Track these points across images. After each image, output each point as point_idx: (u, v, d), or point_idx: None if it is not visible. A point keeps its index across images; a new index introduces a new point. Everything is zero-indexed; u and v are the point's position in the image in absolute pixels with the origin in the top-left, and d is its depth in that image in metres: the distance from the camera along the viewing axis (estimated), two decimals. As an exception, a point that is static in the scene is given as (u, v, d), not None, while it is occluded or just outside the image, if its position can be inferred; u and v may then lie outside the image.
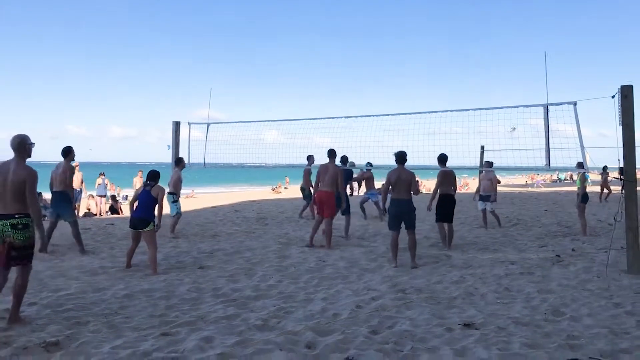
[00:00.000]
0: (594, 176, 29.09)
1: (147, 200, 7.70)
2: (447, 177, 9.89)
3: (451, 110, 10.64)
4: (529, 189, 36.48)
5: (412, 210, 8.18)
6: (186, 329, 4.95)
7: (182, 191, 12.30)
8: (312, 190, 11.28)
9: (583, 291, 6.45)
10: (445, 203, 9.76)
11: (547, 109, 8.95)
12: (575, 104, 8.44)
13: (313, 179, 11.44)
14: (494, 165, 11.83)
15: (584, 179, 11.53)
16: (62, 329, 4.93)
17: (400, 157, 8.36)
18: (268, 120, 13.18)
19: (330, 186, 9.62)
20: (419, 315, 5.43)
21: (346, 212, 10.64)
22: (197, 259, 8.53)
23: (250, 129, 12.92)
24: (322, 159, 10.51)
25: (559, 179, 53.55)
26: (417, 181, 10.43)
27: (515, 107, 9.66)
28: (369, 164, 13.09)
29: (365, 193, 14.81)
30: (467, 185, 42.00)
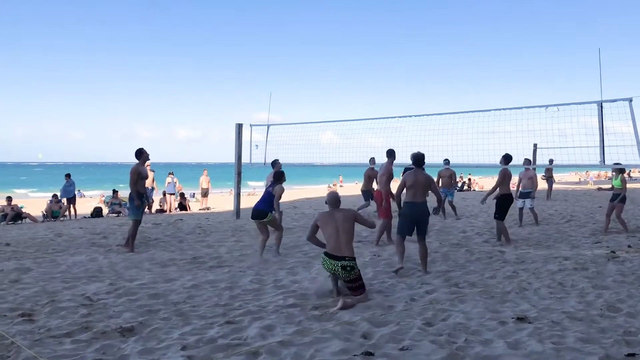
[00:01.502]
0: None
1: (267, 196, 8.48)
2: (507, 177, 9.70)
3: (503, 109, 10.40)
4: (582, 186, 35.11)
5: (428, 214, 7.33)
6: (249, 318, 5.03)
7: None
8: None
9: (640, 287, 6.15)
10: (507, 202, 9.52)
11: (602, 106, 8.60)
12: (631, 100, 8.09)
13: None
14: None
15: (625, 180, 10.77)
16: (136, 315, 5.11)
17: (418, 159, 7.51)
18: (323, 122, 13.29)
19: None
20: (472, 308, 5.32)
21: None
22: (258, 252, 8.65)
23: (307, 130, 13.07)
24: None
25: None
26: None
27: (568, 104, 9.35)
28: (447, 160, 12.97)
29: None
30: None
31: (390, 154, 9.65)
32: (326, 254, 5.79)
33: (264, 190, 10.18)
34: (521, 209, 12.28)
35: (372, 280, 6.62)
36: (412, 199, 7.26)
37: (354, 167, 13.87)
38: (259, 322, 4.88)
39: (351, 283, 5.66)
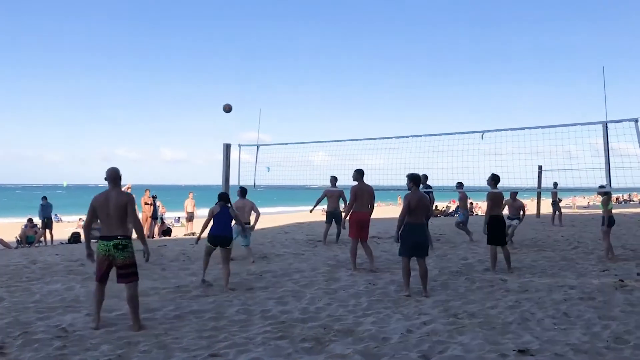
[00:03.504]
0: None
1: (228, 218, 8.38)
2: (498, 199, 9.79)
3: (505, 129, 10.50)
4: (590, 210, 35.28)
5: (428, 235, 8.00)
6: (234, 350, 5.04)
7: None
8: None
9: (648, 318, 6.21)
10: (497, 225, 9.59)
11: (607, 127, 8.72)
12: (636, 120, 8.21)
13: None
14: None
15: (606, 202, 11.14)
16: (114, 348, 5.11)
17: (418, 179, 7.97)
18: (316, 142, 13.34)
19: (371, 208, 9.77)
20: (471, 340, 5.35)
21: None
22: (246, 281, 8.66)
23: (299, 150, 13.12)
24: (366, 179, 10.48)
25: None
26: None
27: (572, 125, 9.48)
28: (460, 184, 13.14)
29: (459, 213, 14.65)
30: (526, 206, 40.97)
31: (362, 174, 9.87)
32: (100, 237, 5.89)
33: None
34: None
35: (367, 310, 6.66)
36: (418, 220, 7.71)
37: (349, 189, 13.92)
38: (245, 355, 4.89)
39: (123, 269, 5.82)
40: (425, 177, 11.93)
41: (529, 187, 11.79)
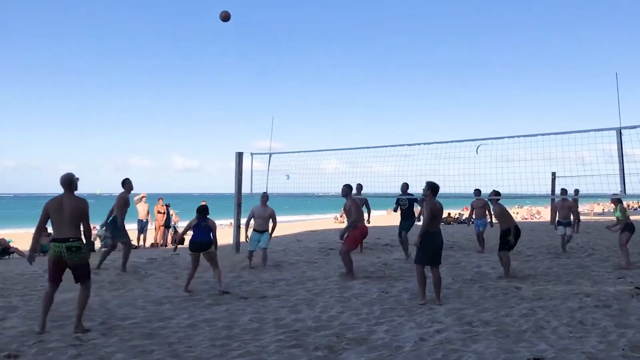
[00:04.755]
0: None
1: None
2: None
3: (518, 136, 10.48)
4: (606, 217, 34.92)
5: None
6: (248, 359, 5.04)
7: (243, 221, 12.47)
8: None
9: (665, 326, 6.13)
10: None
11: (621, 133, 8.67)
12: (651, 126, 8.15)
13: None
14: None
15: (624, 209, 11.10)
16: (128, 357, 5.14)
17: (436, 188, 8.01)
18: (328, 150, 13.39)
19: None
20: (485, 348, 5.32)
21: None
22: (259, 289, 8.68)
23: (311, 158, 13.15)
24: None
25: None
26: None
27: (586, 131, 9.43)
28: (478, 191, 13.00)
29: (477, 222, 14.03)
30: (539, 213, 40.74)
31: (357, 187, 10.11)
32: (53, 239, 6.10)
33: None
34: (563, 236, 13.24)
35: (380, 319, 6.64)
36: (436, 229, 7.83)
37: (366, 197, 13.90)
38: (259, 364, 4.89)
39: (77, 270, 6.09)
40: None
41: (543, 194, 11.71)
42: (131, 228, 12.86)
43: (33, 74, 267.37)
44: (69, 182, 6.20)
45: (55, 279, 6.12)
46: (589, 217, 33.98)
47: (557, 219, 13.46)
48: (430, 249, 7.69)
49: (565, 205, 13.40)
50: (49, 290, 6.14)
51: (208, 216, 8.86)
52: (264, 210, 11.23)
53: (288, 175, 13.10)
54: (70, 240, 5.98)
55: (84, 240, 6.13)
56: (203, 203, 9.15)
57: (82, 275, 6.15)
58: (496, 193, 10.39)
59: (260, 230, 11.18)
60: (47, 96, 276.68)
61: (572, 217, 13.49)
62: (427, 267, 7.76)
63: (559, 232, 13.39)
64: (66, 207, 6.05)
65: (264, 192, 11.86)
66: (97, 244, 18.68)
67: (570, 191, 14.91)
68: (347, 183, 10.19)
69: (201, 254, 8.63)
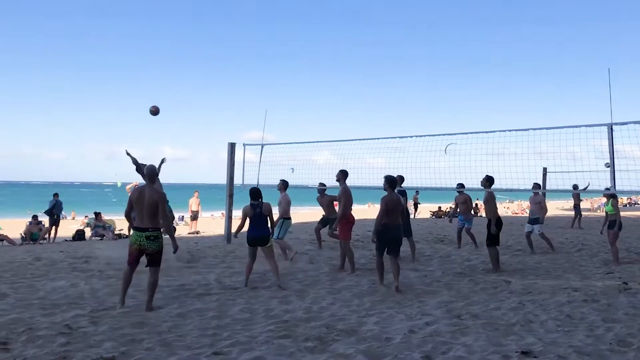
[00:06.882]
0: None
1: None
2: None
3: (509, 130, 10.51)
4: (597, 212, 35.17)
5: (402, 236, 8.35)
6: (238, 349, 5.05)
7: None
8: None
9: (652, 321, 6.18)
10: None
11: (612, 129, 8.71)
12: (642, 123, 8.20)
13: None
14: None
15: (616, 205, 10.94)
16: (118, 345, 5.13)
17: (394, 181, 8.32)
18: (320, 141, 13.39)
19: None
20: (474, 341, 5.34)
21: (409, 234, 10.65)
22: (250, 281, 8.66)
23: (303, 150, 13.13)
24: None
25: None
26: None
27: (577, 126, 9.46)
28: (461, 185, 12.30)
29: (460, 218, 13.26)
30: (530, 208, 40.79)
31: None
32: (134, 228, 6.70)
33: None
34: (528, 234, 12.51)
35: (370, 310, 6.66)
36: (394, 221, 8.11)
37: (356, 189, 13.90)
38: (249, 354, 4.90)
39: (152, 256, 6.61)
40: (402, 178, 11.07)
41: (528, 189, 11.69)
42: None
43: (20, 59, 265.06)
44: (151, 174, 6.82)
45: (133, 262, 6.66)
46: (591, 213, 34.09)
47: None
48: (384, 240, 8.10)
49: (535, 200, 12.65)
50: (127, 271, 6.70)
51: (261, 200, 8.40)
52: (282, 197, 11.14)
53: (292, 168, 13.10)
54: (150, 230, 6.51)
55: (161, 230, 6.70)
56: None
57: (155, 260, 6.63)
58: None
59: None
60: (33, 81, 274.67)
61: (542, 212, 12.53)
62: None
63: (525, 230, 12.72)
64: (145, 198, 6.53)
65: (282, 180, 11.46)
66: (88, 233, 18.71)
67: (570, 187, 14.88)
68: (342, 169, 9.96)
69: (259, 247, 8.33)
